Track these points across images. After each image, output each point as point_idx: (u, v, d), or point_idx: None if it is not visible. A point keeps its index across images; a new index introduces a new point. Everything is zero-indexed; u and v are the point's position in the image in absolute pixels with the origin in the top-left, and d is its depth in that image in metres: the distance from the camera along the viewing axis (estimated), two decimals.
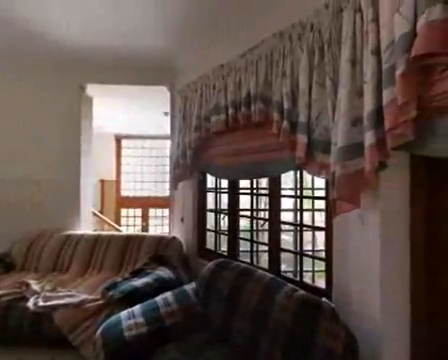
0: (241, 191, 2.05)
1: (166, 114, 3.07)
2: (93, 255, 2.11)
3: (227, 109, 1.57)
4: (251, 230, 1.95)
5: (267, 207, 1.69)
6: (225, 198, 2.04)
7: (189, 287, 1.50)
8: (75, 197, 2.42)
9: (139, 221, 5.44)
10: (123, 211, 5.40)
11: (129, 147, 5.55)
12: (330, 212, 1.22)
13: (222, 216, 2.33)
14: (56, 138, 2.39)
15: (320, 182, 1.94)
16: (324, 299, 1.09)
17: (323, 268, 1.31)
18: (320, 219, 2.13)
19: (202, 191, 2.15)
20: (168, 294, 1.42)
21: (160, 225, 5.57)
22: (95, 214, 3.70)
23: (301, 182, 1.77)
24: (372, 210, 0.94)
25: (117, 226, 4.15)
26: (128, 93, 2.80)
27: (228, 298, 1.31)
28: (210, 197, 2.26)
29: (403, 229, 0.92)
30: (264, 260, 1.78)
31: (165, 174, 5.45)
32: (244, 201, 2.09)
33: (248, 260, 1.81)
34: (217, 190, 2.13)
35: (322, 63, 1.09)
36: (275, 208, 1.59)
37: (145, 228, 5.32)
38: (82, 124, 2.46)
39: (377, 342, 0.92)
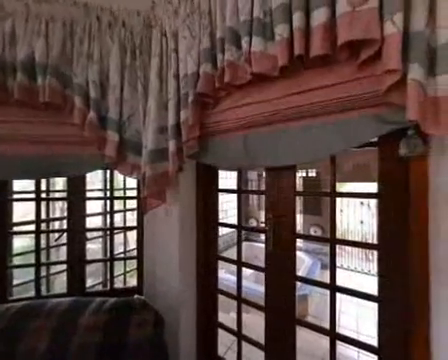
0: (16, 197, 1.40)
1: None
2: None
3: None
4: (37, 250, 1.40)
5: (65, 215, 1.33)
6: None
7: None
8: None
9: None
10: None
11: None
12: (141, 210, 1.30)
13: None
14: None
15: (132, 182, 1.96)
16: (136, 296, 1.13)
17: (136, 266, 1.34)
18: (132, 218, 2.15)
19: None
20: None
21: None
22: None
23: (111, 182, 1.65)
24: (174, 203, 1.16)
25: None
26: None
27: None
28: None
29: (193, 213, 1.25)
30: (61, 283, 1.37)
31: None
32: (24, 210, 1.43)
33: (33, 293, 1.30)
34: None
35: (134, 65, 1.11)
36: (77, 214, 1.31)
37: None
38: None
39: (177, 303, 1.16)
